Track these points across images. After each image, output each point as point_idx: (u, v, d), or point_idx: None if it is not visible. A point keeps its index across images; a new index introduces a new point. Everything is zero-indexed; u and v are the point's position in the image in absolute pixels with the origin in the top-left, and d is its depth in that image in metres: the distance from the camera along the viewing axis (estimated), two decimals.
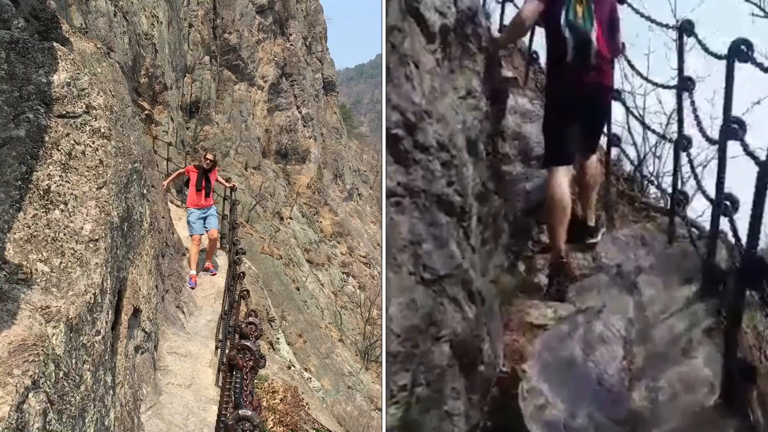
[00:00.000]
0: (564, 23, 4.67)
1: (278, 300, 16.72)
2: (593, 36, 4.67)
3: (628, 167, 6.35)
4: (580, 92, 4.82)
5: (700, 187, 4.60)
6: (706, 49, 4.33)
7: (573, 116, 4.90)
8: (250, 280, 8.68)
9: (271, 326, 11.01)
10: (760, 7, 10.68)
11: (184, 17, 21.67)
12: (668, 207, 5.31)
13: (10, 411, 2.04)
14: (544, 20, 4.87)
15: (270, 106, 28.30)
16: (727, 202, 4.03)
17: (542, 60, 6.73)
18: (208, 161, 9.70)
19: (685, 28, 4.65)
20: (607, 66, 4.88)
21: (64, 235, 2.90)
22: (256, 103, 27.32)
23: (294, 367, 10.59)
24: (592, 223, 5.14)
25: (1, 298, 2.43)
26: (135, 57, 14.61)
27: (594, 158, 5.18)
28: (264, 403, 5.95)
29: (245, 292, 4.40)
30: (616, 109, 5.42)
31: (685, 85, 4.70)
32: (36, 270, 2.67)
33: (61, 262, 2.80)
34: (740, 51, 3.75)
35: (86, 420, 2.83)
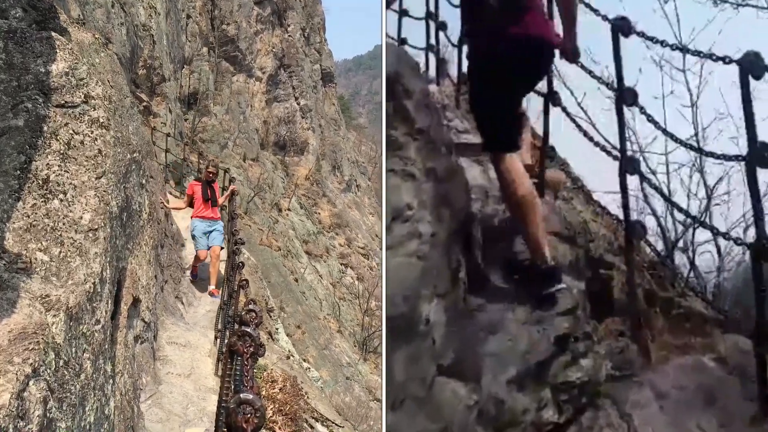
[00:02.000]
0: None
1: (277, 291, 16.74)
2: None
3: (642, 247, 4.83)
4: (512, 45, 3.75)
5: None
6: None
7: (507, 84, 3.86)
8: (248, 271, 8.69)
9: (270, 316, 11.03)
10: None
11: (182, 8, 21.59)
12: (721, 315, 3.84)
13: (11, 399, 2.05)
14: None
15: (268, 98, 28.22)
16: None
17: None
18: (210, 174, 9.39)
19: (751, 64, 3.16)
20: (542, 13, 3.92)
21: (64, 224, 2.91)
22: (254, 95, 27.25)
23: (293, 356, 10.62)
24: (549, 259, 3.80)
25: (1, 286, 2.44)
26: (133, 48, 14.56)
27: (517, 159, 3.93)
28: (263, 393, 5.97)
29: (244, 282, 4.42)
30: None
31: (760, 157, 3.08)
32: (35, 259, 2.68)
33: (60, 252, 2.81)
34: None
35: (86, 408, 2.85)
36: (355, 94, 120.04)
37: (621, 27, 3.88)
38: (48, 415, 2.28)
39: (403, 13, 7.29)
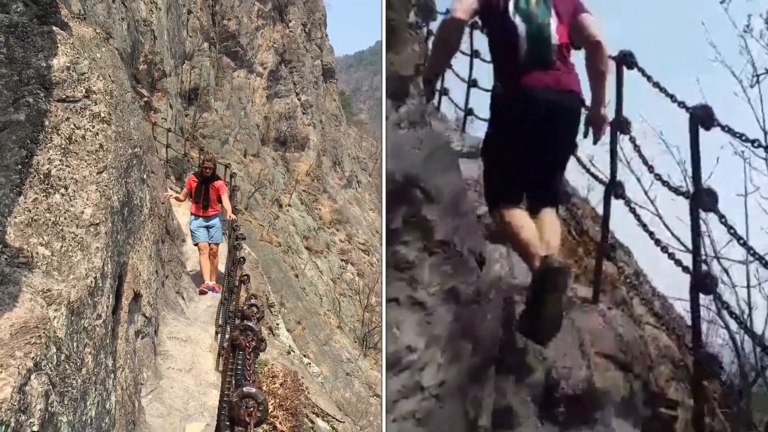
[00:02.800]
0: (513, 10, 3.71)
1: (277, 287, 16.75)
2: (552, 26, 3.71)
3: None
4: (536, 96, 3.67)
5: None
6: None
7: (528, 134, 3.71)
8: (249, 266, 8.68)
9: (271, 312, 11.04)
10: None
11: (183, 3, 21.55)
12: None
13: (13, 392, 2.06)
14: (484, 16, 3.92)
15: (269, 93, 28.20)
16: None
17: None
18: (207, 170, 8.71)
19: None
20: (572, 71, 3.84)
21: (65, 219, 2.91)
22: (255, 90, 27.23)
23: (294, 352, 10.63)
24: (556, 261, 3.50)
25: (2, 281, 2.45)
26: (134, 43, 14.54)
27: (553, 214, 3.77)
28: (264, 388, 5.98)
29: (245, 277, 4.42)
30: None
31: None
32: (37, 253, 2.68)
33: (61, 246, 2.81)
34: None
35: (87, 402, 2.85)
36: (356, 90, 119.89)
37: (702, 118, 3.34)
38: (50, 409, 2.28)
39: (474, 54, 7.53)
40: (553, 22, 3.74)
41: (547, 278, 3.26)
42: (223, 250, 9.14)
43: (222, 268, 8.76)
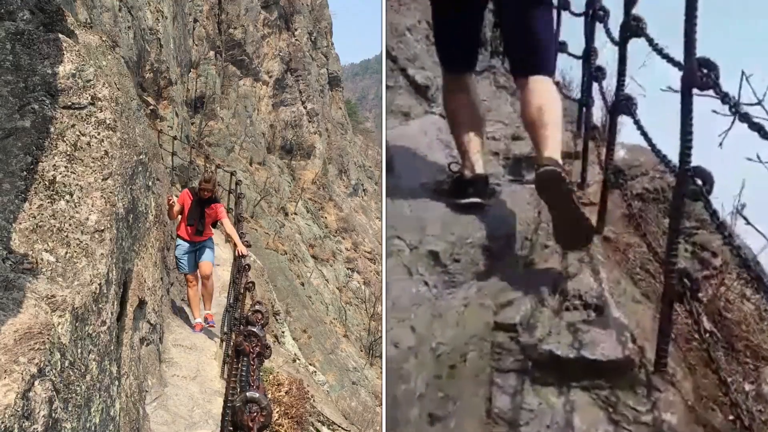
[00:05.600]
0: None
1: (283, 295, 16.74)
2: None
3: None
4: None
5: None
6: None
7: None
8: (255, 274, 8.64)
9: (276, 320, 11.02)
10: None
11: (189, 12, 21.68)
12: None
13: (16, 398, 2.05)
14: None
15: (275, 102, 28.30)
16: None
17: None
18: (205, 193, 7.21)
19: None
20: None
21: (70, 225, 2.91)
22: (261, 99, 27.33)
23: (299, 360, 10.61)
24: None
25: (7, 287, 2.44)
26: (140, 52, 14.62)
27: (547, 86, 2.95)
28: (269, 395, 5.97)
29: (251, 284, 4.41)
30: None
31: None
32: (42, 260, 2.68)
33: (66, 252, 2.81)
34: None
35: (92, 409, 2.84)
36: (362, 98, 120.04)
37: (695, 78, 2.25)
38: (53, 415, 2.27)
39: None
40: None
41: (539, 188, 2.68)
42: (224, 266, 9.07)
43: (227, 268, 8.02)
